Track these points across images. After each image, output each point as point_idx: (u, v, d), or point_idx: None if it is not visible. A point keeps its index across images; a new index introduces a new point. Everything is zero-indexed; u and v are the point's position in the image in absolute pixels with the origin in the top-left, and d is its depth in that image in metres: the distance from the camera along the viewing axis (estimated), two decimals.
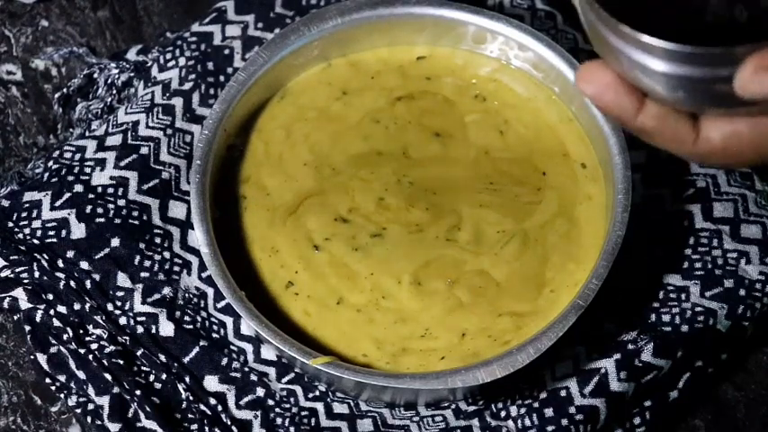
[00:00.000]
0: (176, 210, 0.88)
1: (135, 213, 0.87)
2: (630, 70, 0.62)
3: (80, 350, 0.83)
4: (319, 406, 0.83)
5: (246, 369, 0.83)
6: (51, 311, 0.84)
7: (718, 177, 0.89)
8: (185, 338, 0.84)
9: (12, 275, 0.85)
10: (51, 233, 0.86)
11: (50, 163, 0.89)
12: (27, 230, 0.86)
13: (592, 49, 0.93)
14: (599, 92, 0.63)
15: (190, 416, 0.83)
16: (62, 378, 0.84)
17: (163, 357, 0.83)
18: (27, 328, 0.85)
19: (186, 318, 0.84)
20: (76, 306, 0.84)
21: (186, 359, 0.83)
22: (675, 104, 0.62)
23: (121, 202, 0.87)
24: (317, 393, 0.84)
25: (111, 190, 0.87)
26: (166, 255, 0.86)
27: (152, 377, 0.83)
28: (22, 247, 0.86)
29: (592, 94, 0.63)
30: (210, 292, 0.86)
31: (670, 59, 0.60)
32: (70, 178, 0.87)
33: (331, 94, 0.90)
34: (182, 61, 0.92)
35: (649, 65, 0.61)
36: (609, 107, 0.63)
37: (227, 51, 0.92)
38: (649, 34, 0.60)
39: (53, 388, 0.85)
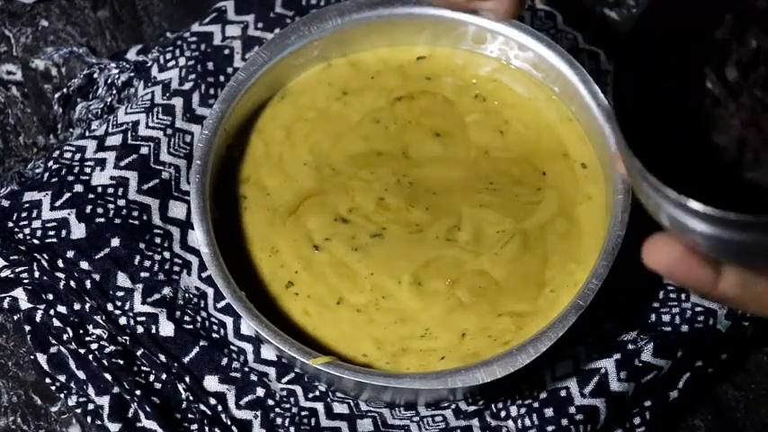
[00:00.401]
0: (176, 210, 0.88)
1: (135, 213, 0.87)
2: (698, 241, 0.58)
3: (80, 350, 0.83)
4: (319, 406, 0.83)
5: (246, 369, 0.83)
6: (51, 311, 0.84)
7: None
8: (185, 338, 0.84)
9: (12, 275, 0.85)
10: (51, 233, 0.86)
11: (50, 163, 0.89)
12: (27, 230, 0.86)
13: (592, 48, 0.94)
14: (671, 267, 0.60)
15: (190, 416, 0.83)
16: (62, 378, 0.84)
17: (163, 357, 0.83)
18: (27, 328, 0.85)
19: (186, 318, 0.84)
20: (76, 306, 0.84)
21: (186, 359, 0.83)
22: (749, 269, 0.59)
23: (121, 202, 0.87)
24: (317, 393, 0.83)
25: (111, 190, 0.87)
26: (166, 255, 0.86)
27: (152, 377, 0.83)
28: (22, 247, 0.86)
29: (664, 271, 0.60)
30: (210, 292, 0.86)
31: (741, 229, 0.56)
32: (70, 178, 0.87)
33: (331, 94, 0.90)
34: (182, 61, 0.92)
35: (721, 235, 0.57)
36: (684, 281, 0.60)
37: (227, 51, 0.92)
38: (707, 192, 0.56)
39: (53, 388, 0.85)
